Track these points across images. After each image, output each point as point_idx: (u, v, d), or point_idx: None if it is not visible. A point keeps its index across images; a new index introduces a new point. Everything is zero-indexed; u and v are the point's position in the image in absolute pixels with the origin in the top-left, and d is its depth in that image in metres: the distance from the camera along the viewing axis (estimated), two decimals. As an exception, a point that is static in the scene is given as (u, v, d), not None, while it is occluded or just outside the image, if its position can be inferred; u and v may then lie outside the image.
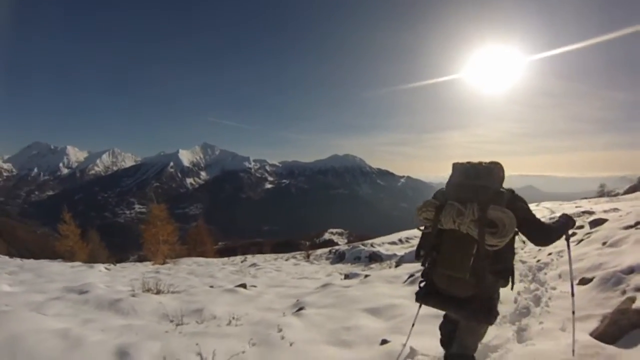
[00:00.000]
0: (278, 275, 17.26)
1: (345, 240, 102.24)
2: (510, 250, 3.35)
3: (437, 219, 3.27)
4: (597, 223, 10.88)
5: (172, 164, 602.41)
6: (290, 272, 18.80)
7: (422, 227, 3.53)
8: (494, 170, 3.39)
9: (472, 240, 3.11)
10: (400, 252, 19.44)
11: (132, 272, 17.63)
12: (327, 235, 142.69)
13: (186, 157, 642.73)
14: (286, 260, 25.43)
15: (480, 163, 3.43)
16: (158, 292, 9.30)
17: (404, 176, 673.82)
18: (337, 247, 26.19)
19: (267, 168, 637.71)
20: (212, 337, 5.49)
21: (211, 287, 11.39)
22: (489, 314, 3.30)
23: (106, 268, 18.91)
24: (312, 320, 6.54)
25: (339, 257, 23.20)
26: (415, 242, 21.71)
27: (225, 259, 30.88)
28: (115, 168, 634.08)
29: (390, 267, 16.06)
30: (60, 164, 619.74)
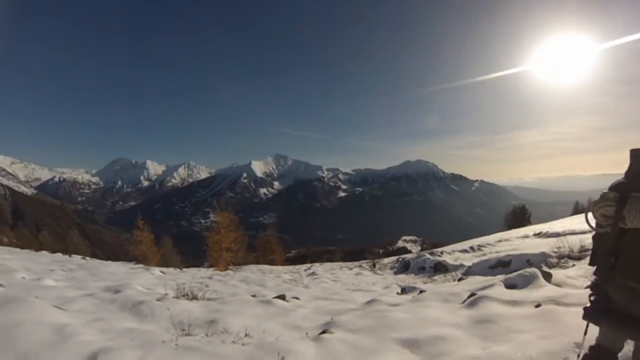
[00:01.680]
0: (332, 286, 16.41)
1: (419, 248, 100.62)
2: None
3: (619, 216, 2.64)
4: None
5: (245, 175, 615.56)
6: (347, 283, 17.80)
7: (595, 226, 2.90)
8: None
9: None
10: (469, 262, 17.77)
11: (186, 276, 17.82)
12: (400, 243, 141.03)
13: (259, 167, 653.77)
14: (350, 269, 24.37)
15: None
16: (193, 298, 9.21)
17: (477, 180, 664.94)
18: (404, 256, 24.69)
19: (340, 176, 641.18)
20: (200, 356, 5.02)
21: (253, 296, 10.82)
22: None
23: (161, 271, 19.53)
24: (330, 349, 5.47)
25: (404, 267, 21.80)
26: (488, 250, 21.26)
27: (292, 267, 30.61)
28: (190, 180, 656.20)
29: (454, 280, 14.70)
30: (141, 177, 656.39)
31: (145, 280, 13.73)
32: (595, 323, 2.99)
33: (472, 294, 8.03)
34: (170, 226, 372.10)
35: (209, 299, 9.38)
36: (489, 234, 29.51)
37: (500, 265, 15.26)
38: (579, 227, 19.06)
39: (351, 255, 64.33)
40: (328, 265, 28.75)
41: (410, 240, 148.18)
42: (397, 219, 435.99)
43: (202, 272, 22.65)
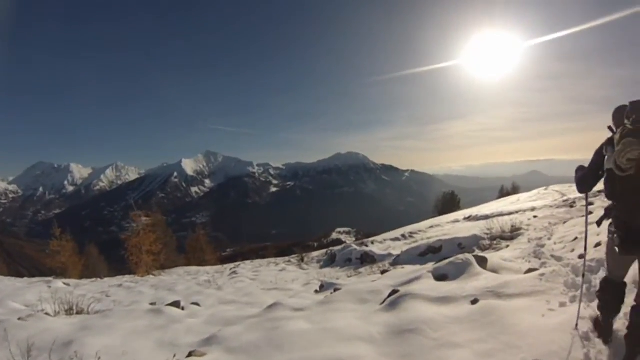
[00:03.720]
0: (247, 286, 15.63)
1: (354, 239, 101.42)
2: None
3: None
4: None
5: (175, 174, 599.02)
6: (266, 281, 16.94)
7: (618, 170, 3.25)
8: None
9: None
10: (397, 251, 17.02)
11: (94, 287, 17.19)
12: (335, 235, 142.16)
13: (189, 166, 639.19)
14: (277, 265, 23.52)
15: None
16: (78, 313, 8.69)
17: (408, 170, 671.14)
18: (332, 248, 23.80)
19: (271, 171, 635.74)
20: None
21: (152, 304, 9.99)
22: None
23: (65, 283, 17.87)
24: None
25: (331, 260, 20.93)
26: (419, 236, 21.23)
27: (220, 266, 29.08)
28: (119, 182, 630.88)
29: (379, 272, 13.43)
30: (65, 182, 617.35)
31: (34, 296, 12.39)
32: (631, 253, 3.43)
33: (394, 291, 6.89)
34: (100, 233, 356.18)
35: (96, 312, 8.79)
36: (422, 221, 29.87)
37: (431, 252, 14.76)
38: (506, 209, 20.30)
39: (286, 250, 63.92)
40: (257, 262, 27.88)
41: (344, 232, 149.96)
42: (330, 212, 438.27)
43: (115, 280, 21.15)
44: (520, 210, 18.70)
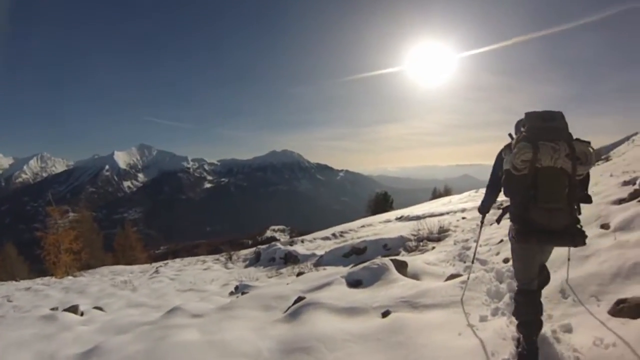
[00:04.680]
0: (164, 287, 15.28)
1: (288, 236, 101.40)
2: (588, 177, 3.86)
3: (535, 159, 3.55)
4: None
5: (107, 167, 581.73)
6: (185, 281, 16.56)
7: (513, 170, 3.71)
8: (563, 115, 3.77)
9: (564, 173, 3.56)
10: (322, 251, 16.76)
11: (1, 290, 16.90)
12: (269, 233, 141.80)
13: (122, 159, 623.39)
14: (203, 263, 23.17)
15: (549, 110, 3.82)
16: None
17: (342, 170, 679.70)
18: (260, 247, 23.40)
19: (206, 167, 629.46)
20: None
21: (54, 309, 9.65)
22: (584, 236, 3.62)
23: None
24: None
25: (256, 259, 20.64)
26: (350, 235, 21.13)
27: (148, 265, 28.57)
28: (44, 174, 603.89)
29: (294, 274, 13.32)
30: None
31: None
32: (527, 242, 3.72)
33: (300, 298, 6.51)
34: (21, 231, 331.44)
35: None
36: (355, 220, 29.53)
37: (355, 253, 14.50)
38: (437, 210, 20.43)
39: (218, 248, 63.52)
40: (186, 260, 27.12)
41: (278, 230, 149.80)
42: (264, 209, 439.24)
43: (27, 283, 20.52)
44: (451, 212, 18.75)
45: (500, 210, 4.39)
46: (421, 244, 12.83)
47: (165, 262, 28.32)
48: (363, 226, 23.36)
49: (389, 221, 22.92)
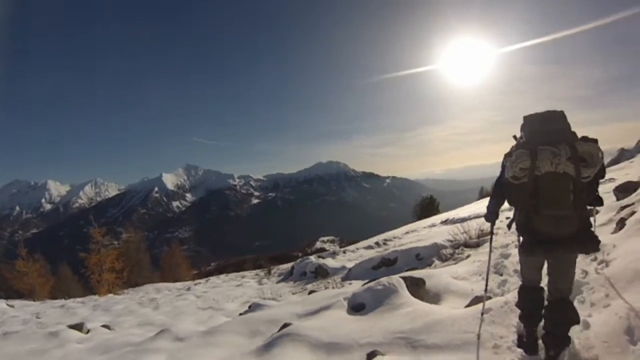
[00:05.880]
0: (186, 305, 15.34)
1: (337, 247, 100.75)
2: (597, 178, 3.53)
3: (534, 166, 3.38)
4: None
5: (156, 188, 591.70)
6: (209, 298, 16.58)
7: (513, 179, 3.55)
8: (564, 114, 3.59)
9: (568, 178, 3.34)
10: (351, 264, 16.15)
11: (39, 308, 17.10)
12: (319, 244, 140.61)
13: (170, 180, 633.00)
14: (242, 278, 23.56)
15: (547, 111, 3.65)
16: None
17: (389, 176, 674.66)
18: (299, 260, 22.51)
19: (252, 183, 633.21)
20: None
21: (72, 326, 9.44)
22: (596, 241, 3.46)
23: (9, 305, 17.97)
24: None
25: (289, 273, 20.24)
26: (394, 243, 20.49)
27: (190, 282, 28.36)
28: (99, 199, 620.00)
29: (333, 287, 12.80)
30: (43, 200, 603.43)
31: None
32: (532, 254, 3.64)
33: (285, 325, 5.92)
34: (78, 252, 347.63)
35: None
36: (401, 226, 29.31)
37: (384, 265, 13.60)
38: (483, 211, 18.21)
39: (266, 262, 63.32)
40: (228, 276, 27.19)
41: (328, 241, 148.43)
42: (312, 221, 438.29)
43: (64, 301, 20.55)
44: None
45: (512, 216, 3.98)
46: (457, 251, 11.62)
47: (207, 278, 28.73)
48: (407, 232, 22.88)
49: (434, 225, 22.36)
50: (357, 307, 6.01)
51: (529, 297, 3.99)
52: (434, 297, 6.08)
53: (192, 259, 45.13)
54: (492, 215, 4.42)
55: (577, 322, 3.79)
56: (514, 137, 3.95)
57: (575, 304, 4.19)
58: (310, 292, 11.12)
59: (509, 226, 4.02)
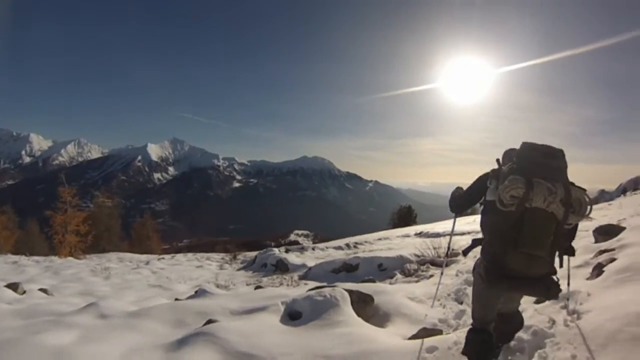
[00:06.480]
0: (139, 279, 15.25)
1: (310, 242, 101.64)
2: (576, 227, 3.48)
3: (526, 197, 3.06)
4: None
5: (140, 157, 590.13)
6: (163, 276, 16.37)
7: (500, 205, 3.19)
8: (564, 154, 3.32)
9: (554, 220, 3.09)
10: (312, 263, 16.00)
11: None
12: (292, 237, 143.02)
13: (155, 151, 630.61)
14: (207, 259, 23.26)
15: (550, 145, 3.35)
16: None
17: (372, 181, 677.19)
18: (264, 250, 22.23)
19: (236, 167, 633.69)
20: None
21: (10, 284, 9.70)
22: (558, 289, 3.28)
23: None
24: None
25: (251, 262, 20.03)
26: (364, 247, 20.76)
27: (155, 256, 27.69)
28: (80, 159, 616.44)
29: (288, 283, 13.10)
30: (23, 152, 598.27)
31: None
32: (496, 286, 3.33)
33: (210, 321, 5.47)
34: (53, 210, 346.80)
35: None
36: (376, 232, 29.36)
37: (345, 270, 13.27)
38: (459, 229, 19.00)
39: (243, 246, 63.52)
40: (191, 255, 26.73)
41: (302, 235, 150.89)
42: (290, 213, 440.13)
43: (16, 258, 20.60)
44: (472, 232, 17.69)
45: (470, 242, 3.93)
46: (422, 268, 11.17)
47: (173, 255, 28.14)
48: (380, 239, 22.74)
49: (407, 236, 22.42)
50: (293, 314, 5.53)
51: (478, 340, 3.65)
52: (382, 318, 5.55)
53: (166, 233, 44.59)
54: (459, 208, 4.23)
55: (521, 327, 4.04)
56: (497, 160, 3.78)
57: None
58: (257, 287, 10.84)
59: (465, 253, 4.00)
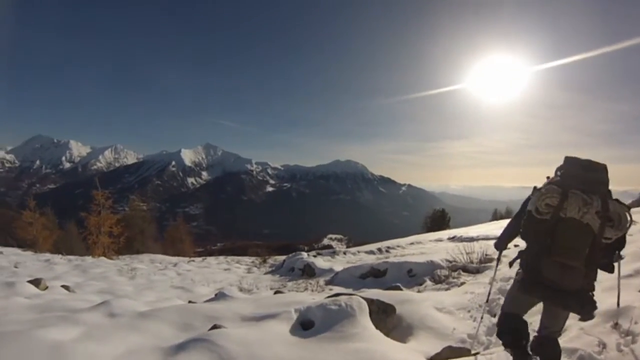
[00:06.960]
0: (163, 280, 15.30)
1: (344, 246, 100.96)
2: (619, 245, 3.38)
3: (560, 207, 3.28)
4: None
5: (174, 162, 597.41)
6: (188, 278, 16.27)
7: (535, 213, 3.40)
8: (606, 169, 3.46)
9: (590, 232, 3.19)
10: (340, 267, 15.47)
11: (28, 259, 18.00)
12: (326, 241, 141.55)
13: (188, 156, 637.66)
14: (237, 262, 23.43)
15: (591, 160, 3.50)
16: None
17: (405, 184, 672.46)
18: (293, 254, 21.68)
19: (269, 171, 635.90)
20: None
21: (33, 279, 9.68)
22: (594, 307, 3.33)
23: None
24: None
25: (279, 266, 19.85)
26: (396, 252, 20.15)
27: (185, 258, 27.68)
28: (117, 164, 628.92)
29: (312, 288, 12.64)
30: (63, 158, 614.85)
31: None
32: (531, 293, 3.47)
33: (215, 326, 5.18)
34: (87, 212, 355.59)
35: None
36: (409, 236, 28.41)
37: (373, 275, 12.86)
38: (493, 233, 18.32)
39: (277, 250, 63.49)
40: (229, 258, 27.31)
41: (335, 239, 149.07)
42: (323, 217, 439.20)
43: (49, 256, 21.22)
44: None
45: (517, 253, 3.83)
46: (453, 274, 10.58)
47: (203, 257, 28.79)
48: (412, 243, 22.32)
49: (440, 240, 21.82)
50: (305, 323, 5.11)
51: (511, 324, 3.80)
52: (404, 330, 5.12)
53: (200, 236, 45.39)
54: (502, 243, 4.22)
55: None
56: (547, 177, 3.75)
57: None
58: (277, 292, 10.39)
59: (511, 264, 3.86)
